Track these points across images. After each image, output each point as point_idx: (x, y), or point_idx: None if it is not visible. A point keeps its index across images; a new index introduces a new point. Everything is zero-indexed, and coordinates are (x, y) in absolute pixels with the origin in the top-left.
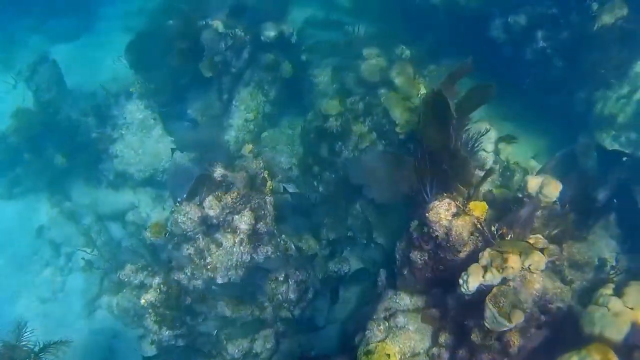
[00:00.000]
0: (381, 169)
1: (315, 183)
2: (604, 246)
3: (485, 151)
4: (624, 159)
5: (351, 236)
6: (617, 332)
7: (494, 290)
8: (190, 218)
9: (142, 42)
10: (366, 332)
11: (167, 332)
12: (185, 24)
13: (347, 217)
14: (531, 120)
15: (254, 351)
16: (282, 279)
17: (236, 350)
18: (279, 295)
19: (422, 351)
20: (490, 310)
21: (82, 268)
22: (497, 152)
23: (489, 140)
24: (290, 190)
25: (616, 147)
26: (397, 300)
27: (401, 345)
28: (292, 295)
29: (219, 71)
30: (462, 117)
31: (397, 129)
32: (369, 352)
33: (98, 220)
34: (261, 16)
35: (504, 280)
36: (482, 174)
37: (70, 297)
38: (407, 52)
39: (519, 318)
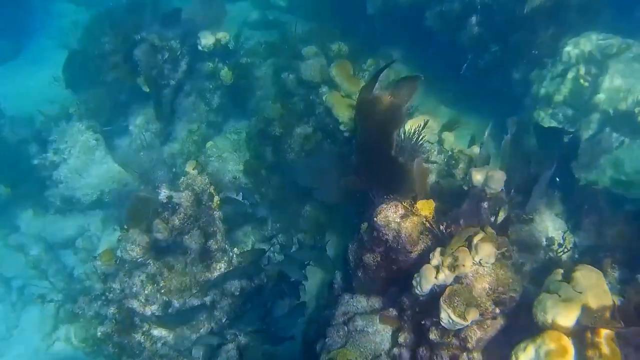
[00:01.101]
0: (328, 169)
1: (264, 189)
2: (551, 225)
3: (430, 142)
4: (563, 136)
5: (304, 239)
6: (568, 318)
7: (447, 290)
8: (139, 245)
9: (77, 60)
10: (326, 340)
11: None
12: (120, 39)
13: (299, 219)
14: (472, 106)
15: None
16: (237, 293)
17: None
18: (237, 309)
19: (383, 353)
20: (445, 311)
21: (35, 301)
22: (440, 142)
23: (431, 131)
24: (240, 199)
25: (554, 124)
26: (354, 304)
27: (362, 349)
28: (250, 306)
29: (158, 84)
30: (395, 114)
31: (342, 127)
32: None
33: (48, 250)
34: (197, 25)
35: (457, 279)
36: (429, 166)
37: (27, 333)
38: (345, 48)
39: (474, 316)
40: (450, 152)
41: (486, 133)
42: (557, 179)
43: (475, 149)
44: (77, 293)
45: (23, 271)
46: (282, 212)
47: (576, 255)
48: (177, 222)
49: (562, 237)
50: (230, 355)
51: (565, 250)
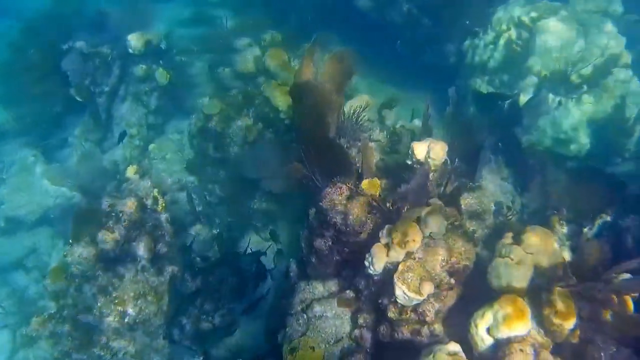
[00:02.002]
0: (272, 159)
1: (211, 185)
2: (498, 190)
3: (370, 121)
4: (501, 101)
5: (257, 230)
6: (522, 280)
7: (400, 267)
8: (85, 257)
9: (6, 75)
10: (287, 329)
11: None
12: (46, 50)
13: (250, 212)
14: (411, 81)
15: None
16: (194, 291)
17: None
18: (194, 310)
19: (344, 335)
20: (399, 288)
21: None
22: (381, 120)
23: (371, 109)
24: (186, 199)
25: (491, 90)
26: (311, 290)
27: (323, 335)
28: (207, 306)
29: (92, 92)
30: (329, 96)
31: (282, 115)
32: (293, 349)
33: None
34: (125, 28)
35: (409, 254)
36: (373, 145)
37: None
38: (278, 37)
39: (429, 290)
40: (392, 129)
41: (426, 106)
42: (500, 144)
43: (417, 123)
44: (30, 315)
45: None
46: (232, 207)
47: (525, 217)
48: (122, 230)
49: (510, 200)
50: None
51: (514, 213)
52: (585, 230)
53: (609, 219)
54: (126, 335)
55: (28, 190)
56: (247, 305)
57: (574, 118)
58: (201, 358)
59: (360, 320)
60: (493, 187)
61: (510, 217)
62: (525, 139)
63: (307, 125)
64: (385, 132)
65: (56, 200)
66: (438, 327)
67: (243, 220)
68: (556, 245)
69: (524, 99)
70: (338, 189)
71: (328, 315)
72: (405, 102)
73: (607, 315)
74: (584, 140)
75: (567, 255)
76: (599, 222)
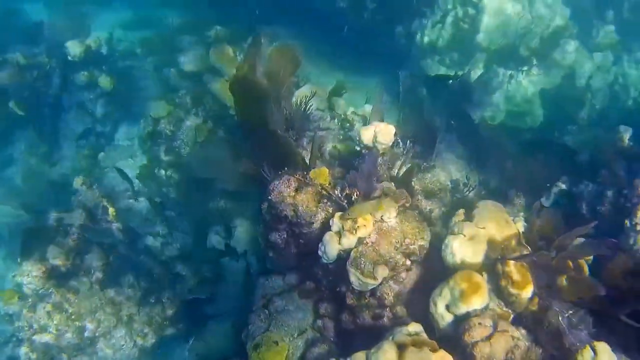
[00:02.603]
0: (224, 157)
1: (165, 189)
2: (454, 167)
3: (320, 110)
4: (452, 80)
5: (216, 231)
6: (476, 255)
7: (353, 253)
8: (36, 276)
9: None
10: (249, 327)
11: None
12: None
13: (207, 213)
14: (362, 66)
15: None
16: (153, 300)
17: None
18: (156, 317)
19: (308, 327)
20: (353, 274)
21: None
22: (331, 107)
23: (320, 98)
24: (141, 205)
25: (443, 70)
26: (271, 284)
27: (286, 329)
28: (169, 312)
29: (33, 105)
30: (270, 89)
31: (231, 112)
32: (257, 346)
33: None
34: (62, 35)
35: (361, 240)
36: (323, 134)
37: None
38: (223, 33)
39: (383, 274)
40: (342, 116)
41: (377, 90)
42: (453, 123)
43: (368, 108)
44: None
45: None
46: (189, 209)
47: (483, 192)
48: (72, 243)
49: (466, 177)
50: None
51: (471, 188)
52: (542, 199)
53: (564, 187)
54: (87, 350)
55: None
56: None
57: (526, 91)
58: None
59: (322, 310)
60: (449, 165)
61: (468, 193)
62: (479, 116)
63: (250, 121)
64: (336, 120)
65: (5, 220)
66: (400, 309)
67: (201, 221)
68: (508, 217)
69: (474, 75)
70: (286, 181)
71: (290, 308)
72: (358, 88)
73: (564, 281)
74: (538, 112)
75: (521, 227)
76: (555, 191)
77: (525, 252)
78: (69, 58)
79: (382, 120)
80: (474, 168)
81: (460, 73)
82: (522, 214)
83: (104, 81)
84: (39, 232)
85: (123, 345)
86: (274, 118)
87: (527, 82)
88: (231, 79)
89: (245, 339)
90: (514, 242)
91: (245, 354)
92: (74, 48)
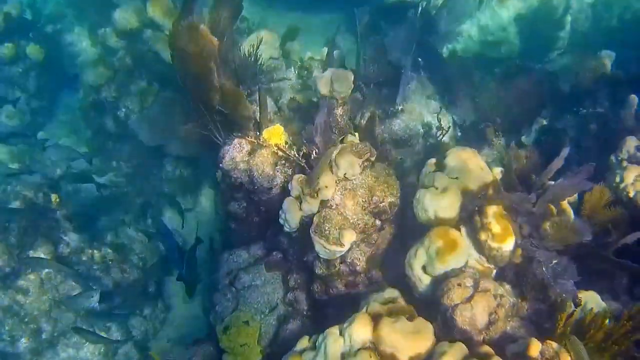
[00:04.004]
0: (173, 120)
1: (115, 163)
2: (425, 110)
3: (273, 58)
4: (411, 10)
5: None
6: (450, 209)
7: (315, 219)
8: None
9: None
10: (216, 307)
11: None
12: None
13: (163, 183)
14: (321, 4)
15: None
16: (112, 289)
17: None
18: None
19: (278, 302)
20: (318, 242)
21: None
22: (285, 55)
23: (272, 46)
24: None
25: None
26: (235, 259)
27: (256, 306)
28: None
29: None
30: (211, 40)
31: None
32: (226, 329)
33: None
34: None
35: (324, 204)
36: (279, 84)
37: None
38: None
39: (350, 238)
40: (299, 63)
41: (331, 31)
42: (420, 60)
43: (326, 50)
44: None
45: None
46: (143, 181)
47: (459, 133)
48: (13, 239)
49: (437, 118)
50: (130, 353)
51: (445, 131)
52: (523, 138)
53: (545, 122)
54: (48, 353)
55: None
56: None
57: (500, 17)
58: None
59: (292, 282)
60: (418, 108)
61: (441, 136)
62: (447, 49)
63: (192, 79)
64: (292, 68)
65: None
66: (375, 273)
67: (157, 194)
68: (482, 164)
69: (438, 2)
70: (237, 145)
71: (257, 283)
72: (316, 28)
73: (547, 227)
74: (514, 39)
75: (498, 173)
76: (535, 127)
77: (504, 200)
78: None
79: (341, 66)
80: (447, 108)
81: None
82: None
83: (33, 50)
84: None
85: (85, 342)
86: (221, 74)
87: (502, 8)
88: (169, 35)
89: (214, 321)
90: (491, 191)
91: (213, 337)
92: None
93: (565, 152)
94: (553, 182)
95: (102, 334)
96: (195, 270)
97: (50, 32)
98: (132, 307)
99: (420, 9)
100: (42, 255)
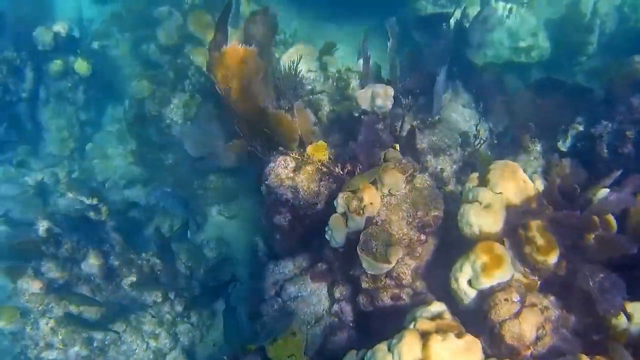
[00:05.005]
0: (216, 133)
1: (160, 174)
2: (461, 119)
3: (312, 71)
4: (444, 22)
5: (218, 211)
6: (495, 224)
7: (362, 237)
8: (33, 293)
9: None
10: (263, 318)
11: None
12: None
13: (206, 192)
14: (355, 15)
15: None
16: (160, 299)
17: None
18: (167, 315)
19: (324, 313)
20: (365, 260)
21: None
22: (324, 67)
23: (310, 58)
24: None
25: (437, 10)
26: (281, 270)
27: (302, 317)
28: (179, 308)
29: (7, 103)
30: (251, 61)
31: None
32: (273, 339)
33: None
34: (27, 25)
35: (370, 220)
36: (318, 97)
37: None
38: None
39: (397, 255)
40: (337, 75)
41: (364, 46)
42: (454, 69)
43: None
44: None
45: None
46: (187, 191)
47: (495, 141)
48: (65, 253)
49: (475, 127)
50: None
51: (482, 140)
52: (559, 144)
53: (581, 128)
54: None
55: None
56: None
57: (530, 24)
58: None
59: (337, 294)
60: (455, 116)
61: (479, 145)
62: (480, 57)
63: (233, 99)
64: (331, 80)
65: None
66: (420, 285)
67: (201, 204)
68: (526, 177)
69: (472, 13)
70: (282, 162)
71: (303, 294)
72: (351, 39)
73: (591, 240)
74: (544, 44)
75: (540, 185)
76: (571, 133)
77: (547, 213)
78: (39, 48)
79: (377, 77)
80: (482, 116)
81: (454, 11)
82: (540, 168)
83: (81, 66)
84: (29, 245)
85: (136, 349)
86: (263, 92)
87: (531, 15)
88: (209, 56)
89: (260, 331)
90: (534, 204)
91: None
92: (42, 36)
93: (616, 174)
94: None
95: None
96: None
97: (96, 48)
98: None
99: (454, 19)
100: (93, 268)
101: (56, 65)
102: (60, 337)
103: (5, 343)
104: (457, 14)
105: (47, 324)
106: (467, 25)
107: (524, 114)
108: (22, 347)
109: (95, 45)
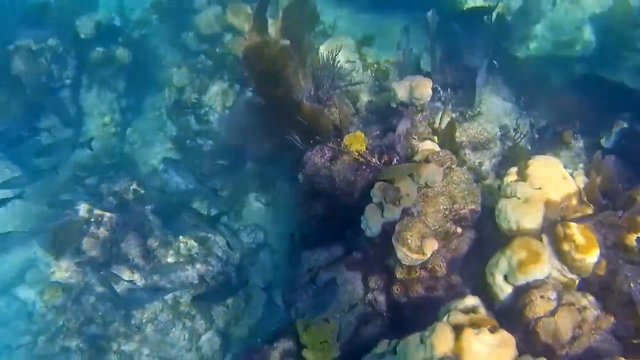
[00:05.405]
0: (253, 122)
1: (198, 160)
2: (501, 112)
3: (350, 61)
4: (486, 16)
5: (256, 198)
6: (533, 220)
7: (397, 227)
8: (75, 270)
9: None
10: (297, 304)
11: None
12: None
13: (244, 179)
14: (395, 5)
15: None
16: (196, 281)
17: None
18: (203, 297)
19: (358, 301)
20: (400, 250)
21: (5, 350)
22: (363, 58)
23: (349, 49)
24: (176, 179)
25: (479, 3)
26: (316, 257)
27: (336, 304)
28: (216, 291)
29: (52, 89)
30: (286, 53)
31: None
32: (307, 325)
33: (2, 293)
34: (70, 14)
35: (405, 211)
36: (356, 87)
37: None
38: None
39: (432, 247)
40: (375, 66)
41: (404, 38)
42: (495, 62)
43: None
44: (39, 332)
45: None
46: (225, 179)
47: (536, 136)
48: (106, 233)
49: (516, 121)
50: (213, 340)
51: (522, 135)
52: (602, 140)
53: (626, 125)
54: (136, 337)
55: (10, 202)
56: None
57: (574, 16)
58: None
59: (372, 283)
60: (495, 110)
61: (519, 140)
62: (522, 51)
63: (270, 90)
64: (369, 71)
65: (41, 210)
66: (454, 278)
67: (239, 189)
68: (566, 173)
69: (515, 5)
70: (319, 151)
71: (338, 282)
72: (390, 31)
73: (633, 240)
74: (589, 37)
75: (581, 182)
76: (615, 130)
77: (588, 212)
78: (82, 36)
79: (415, 69)
80: (523, 110)
81: (497, 4)
82: (581, 165)
83: (121, 54)
84: (71, 225)
85: (172, 329)
86: (301, 84)
87: (575, 7)
88: (243, 50)
89: (295, 317)
90: (574, 201)
91: (291, 332)
92: (84, 25)
93: None
94: None
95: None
96: None
97: (136, 37)
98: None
99: (495, 13)
100: (132, 248)
101: (98, 53)
102: (99, 313)
103: (49, 316)
104: (500, 7)
105: (88, 300)
106: (509, 18)
107: (566, 109)
108: (64, 320)
109: (136, 33)
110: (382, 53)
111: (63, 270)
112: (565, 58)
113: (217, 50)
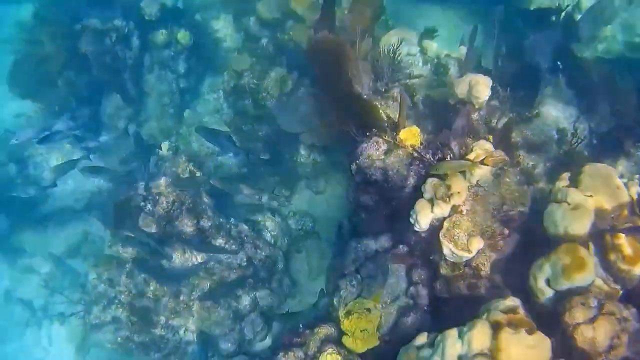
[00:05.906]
0: (310, 110)
1: (252, 144)
2: (561, 115)
3: (410, 54)
4: (554, 16)
5: (308, 185)
6: (582, 227)
7: (445, 224)
8: (127, 245)
9: (25, 67)
10: (341, 292)
11: (156, 355)
12: (61, 34)
13: (296, 167)
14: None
15: (247, 338)
16: (245, 263)
17: (229, 345)
18: (250, 279)
19: (401, 293)
20: (446, 247)
21: (59, 317)
22: (423, 52)
23: (410, 42)
24: (232, 160)
25: (547, 2)
26: (363, 248)
27: (379, 295)
28: (262, 274)
29: (115, 69)
30: (345, 47)
31: None
32: (349, 313)
33: (58, 264)
34: None
35: (455, 208)
36: (415, 81)
37: (61, 348)
38: None
39: (477, 246)
40: (436, 60)
41: (468, 32)
42: (559, 63)
43: (463, 49)
44: (92, 302)
45: (40, 291)
46: (277, 164)
47: (594, 142)
48: (162, 211)
49: (573, 125)
50: (256, 322)
51: (580, 139)
52: None
53: None
54: (184, 313)
55: (71, 178)
56: None
57: None
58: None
59: (415, 277)
60: (555, 112)
61: (576, 144)
62: (590, 52)
63: (332, 84)
64: (429, 65)
65: (97, 187)
66: (497, 278)
67: (291, 176)
68: (619, 183)
69: (585, 5)
70: (375, 144)
71: (382, 273)
72: (452, 24)
73: None
74: None
75: (635, 193)
76: None
77: (639, 223)
78: (146, 18)
79: (477, 65)
80: (584, 114)
81: (566, 5)
82: (637, 175)
83: (183, 37)
84: (130, 202)
85: (218, 308)
86: (360, 77)
87: None
88: (307, 42)
89: (338, 304)
90: (626, 212)
91: (336, 318)
92: (149, 7)
93: None
94: None
95: None
96: None
97: (199, 20)
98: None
99: (564, 13)
100: (185, 227)
101: (161, 34)
102: (152, 287)
103: (101, 287)
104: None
105: (140, 274)
106: (578, 17)
107: (631, 116)
108: (116, 292)
109: (198, 16)
110: (443, 46)
111: (118, 245)
112: (636, 61)
113: (279, 36)
